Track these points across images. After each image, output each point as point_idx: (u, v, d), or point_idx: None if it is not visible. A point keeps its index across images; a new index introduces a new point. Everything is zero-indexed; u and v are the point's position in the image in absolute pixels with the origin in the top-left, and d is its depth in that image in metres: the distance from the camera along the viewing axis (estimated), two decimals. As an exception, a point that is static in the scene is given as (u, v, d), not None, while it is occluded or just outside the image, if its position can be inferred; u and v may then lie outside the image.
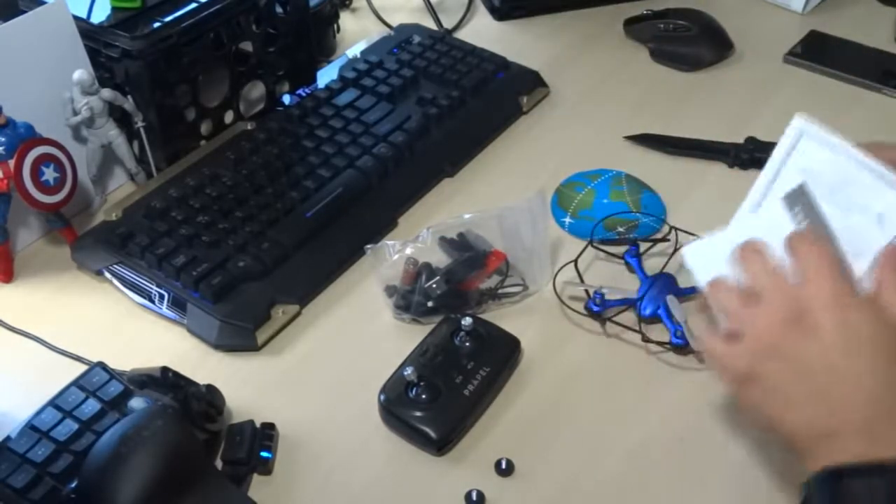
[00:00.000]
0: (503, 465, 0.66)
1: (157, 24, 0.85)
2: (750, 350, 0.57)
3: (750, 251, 0.60)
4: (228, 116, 0.96)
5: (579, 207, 0.88)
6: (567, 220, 0.87)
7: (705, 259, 0.64)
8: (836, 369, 0.53)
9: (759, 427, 0.61)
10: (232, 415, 0.70)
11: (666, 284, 0.78)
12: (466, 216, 0.82)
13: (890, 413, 0.52)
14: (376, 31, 1.13)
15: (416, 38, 1.07)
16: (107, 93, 0.84)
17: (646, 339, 0.74)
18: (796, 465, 0.66)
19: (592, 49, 1.13)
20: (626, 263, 0.82)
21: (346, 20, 1.16)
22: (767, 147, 0.93)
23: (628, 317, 0.76)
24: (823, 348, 0.54)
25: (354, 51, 1.07)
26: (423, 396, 0.69)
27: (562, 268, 0.81)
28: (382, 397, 0.69)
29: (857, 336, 0.53)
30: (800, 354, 0.54)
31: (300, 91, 1.01)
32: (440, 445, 0.67)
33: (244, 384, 0.73)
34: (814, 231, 0.59)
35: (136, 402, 0.64)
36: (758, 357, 0.56)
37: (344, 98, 0.98)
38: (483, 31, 1.16)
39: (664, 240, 0.83)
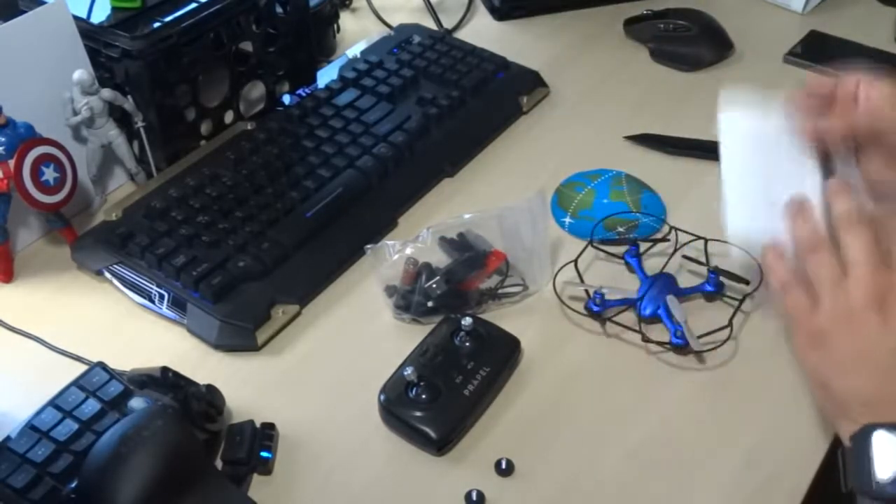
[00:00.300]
0: (503, 465, 0.66)
1: (157, 24, 0.85)
2: (830, 318, 0.60)
3: (846, 221, 0.62)
4: (228, 116, 0.96)
5: (579, 207, 0.88)
6: (567, 220, 0.87)
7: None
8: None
9: (808, 377, 0.65)
10: (232, 415, 0.70)
11: (666, 284, 0.78)
12: (466, 216, 0.82)
13: None
14: (376, 31, 1.13)
15: (416, 38, 1.07)
16: (107, 93, 0.84)
17: (646, 339, 0.74)
18: (796, 465, 0.67)
19: (592, 49, 1.13)
20: (626, 263, 0.82)
21: (346, 20, 1.16)
22: (767, 147, 0.93)
23: (628, 317, 0.76)
24: (892, 340, 0.58)
25: (354, 51, 1.07)
26: (423, 396, 0.69)
27: (562, 268, 0.81)
28: (382, 397, 0.69)
29: None
30: (872, 338, 0.58)
31: (300, 91, 1.01)
32: (440, 445, 0.67)
33: (244, 384, 0.73)
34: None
35: (136, 402, 0.64)
36: (835, 327, 0.60)
37: (344, 98, 0.98)
38: (483, 31, 1.16)
39: (664, 240, 0.83)
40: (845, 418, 0.59)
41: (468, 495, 0.65)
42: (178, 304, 0.77)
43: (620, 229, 0.85)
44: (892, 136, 0.66)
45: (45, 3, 0.84)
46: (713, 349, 0.74)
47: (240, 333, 0.75)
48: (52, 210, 0.81)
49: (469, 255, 0.80)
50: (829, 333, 0.60)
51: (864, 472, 0.56)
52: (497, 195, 0.89)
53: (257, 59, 0.96)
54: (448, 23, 1.16)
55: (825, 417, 0.67)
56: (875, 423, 0.56)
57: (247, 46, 0.95)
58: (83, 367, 0.69)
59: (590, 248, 0.82)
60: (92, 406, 0.65)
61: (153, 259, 0.79)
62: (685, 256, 0.81)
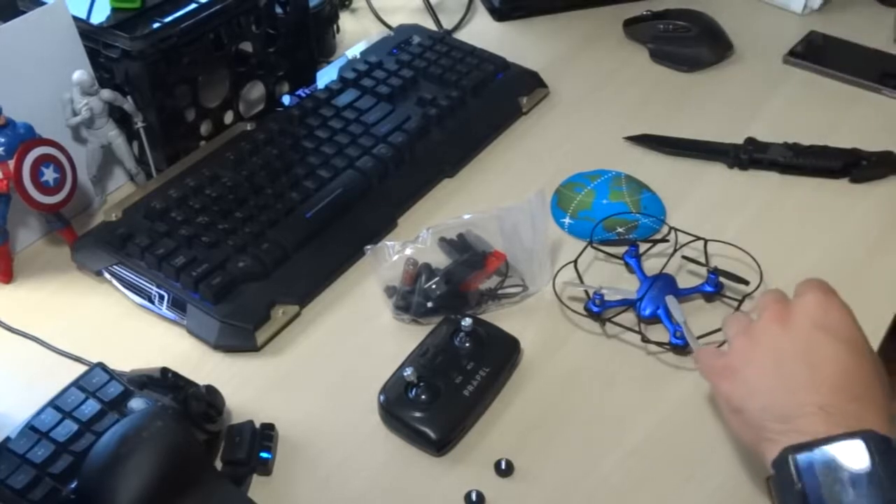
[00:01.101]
0: (503, 466, 0.66)
1: (156, 25, 0.85)
2: (738, 355, 0.61)
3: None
4: (228, 117, 0.96)
5: (579, 208, 0.88)
6: (567, 220, 0.87)
7: None
8: (804, 357, 0.58)
9: (722, 408, 0.63)
10: (232, 415, 0.70)
11: (665, 285, 0.78)
12: (466, 217, 0.82)
13: (850, 398, 0.55)
14: (376, 32, 1.13)
15: (416, 39, 1.07)
16: (106, 93, 0.84)
17: (645, 340, 0.74)
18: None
19: (592, 49, 1.13)
20: (626, 264, 0.82)
21: (345, 21, 1.16)
22: (767, 147, 0.93)
23: (628, 317, 0.76)
24: (796, 338, 0.59)
25: (354, 51, 1.07)
26: (423, 397, 0.69)
27: (562, 268, 0.81)
28: (382, 398, 0.69)
29: (828, 331, 0.58)
30: (775, 345, 0.59)
31: (300, 92, 1.01)
32: (440, 446, 0.67)
33: (244, 385, 0.73)
34: None
35: (136, 403, 0.64)
36: (742, 359, 0.61)
37: (344, 99, 0.98)
38: (483, 32, 1.16)
39: (664, 240, 0.83)
40: (765, 440, 0.57)
41: (468, 495, 0.65)
42: (177, 305, 0.77)
43: (620, 230, 0.85)
44: None
45: (45, 3, 0.84)
46: (713, 350, 0.74)
47: (240, 334, 0.75)
48: (51, 211, 0.81)
49: (469, 255, 0.80)
50: (737, 366, 0.61)
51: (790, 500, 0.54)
52: (497, 195, 0.89)
53: (257, 59, 0.96)
54: (448, 23, 1.16)
55: (746, 448, 0.64)
56: (793, 445, 0.54)
57: (247, 47, 0.95)
58: (83, 368, 0.69)
59: (589, 248, 0.82)
60: (92, 407, 0.65)
61: (153, 260, 0.79)
62: (685, 257, 0.81)
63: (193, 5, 0.88)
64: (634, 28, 1.13)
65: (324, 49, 1.10)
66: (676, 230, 0.82)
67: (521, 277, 0.80)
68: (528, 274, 0.80)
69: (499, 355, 0.73)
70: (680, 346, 0.73)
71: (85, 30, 0.84)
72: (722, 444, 0.68)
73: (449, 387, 0.69)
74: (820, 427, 0.54)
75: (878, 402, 0.56)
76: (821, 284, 0.62)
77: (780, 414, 0.57)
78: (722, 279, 0.78)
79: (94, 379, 0.67)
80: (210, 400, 0.67)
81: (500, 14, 1.19)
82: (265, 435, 0.68)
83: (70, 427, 0.63)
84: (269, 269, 0.79)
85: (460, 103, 0.98)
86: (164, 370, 0.68)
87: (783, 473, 0.54)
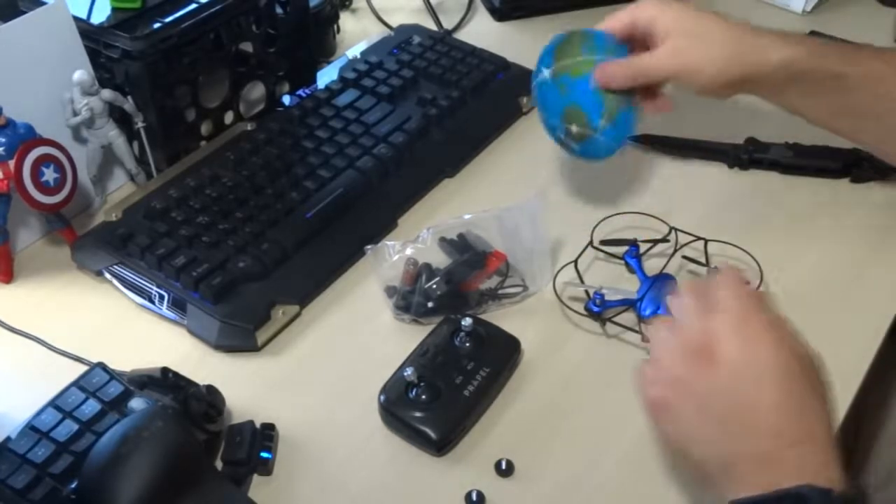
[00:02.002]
0: (503, 466, 0.66)
1: (157, 25, 0.85)
2: (660, 379, 0.58)
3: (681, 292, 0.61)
4: (228, 117, 0.96)
5: (567, 70, 0.79)
6: (544, 74, 0.80)
7: None
8: (735, 402, 0.54)
9: (673, 452, 0.62)
10: (232, 415, 0.70)
11: (666, 285, 0.78)
12: (466, 217, 0.82)
13: (789, 443, 0.52)
14: (376, 32, 1.13)
15: (416, 39, 1.07)
16: (107, 93, 0.84)
17: (646, 340, 0.74)
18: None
19: (592, 50, 1.13)
20: (626, 264, 0.82)
21: (346, 21, 1.16)
22: (767, 147, 0.93)
23: (628, 317, 0.76)
24: (723, 381, 0.55)
25: (354, 51, 1.07)
26: (424, 397, 0.69)
27: (562, 268, 0.81)
28: (382, 398, 0.69)
29: (756, 368, 0.54)
30: (704, 390, 0.55)
31: (300, 92, 1.01)
32: (440, 446, 0.67)
33: (244, 385, 0.73)
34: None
35: (137, 403, 0.64)
36: (667, 387, 0.57)
37: (344, 99, 0.98)
38: (483, 32, 1.16)
39: (664, 240, 0.83)
40: (713, 486, 0.55)
41: (468, 495, 0.65)
42: (178, 305, 0.77)
43: (574, 128, 0.78)
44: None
45: (45, 3, 0.84)
46: (713, 350, 0.74)
47: (240, 334, 0.75)
48: (52, 211, 0.81)
49: (469, 255, 0.80)
50: (670, 401, 0.57)
51: None
52: (497, 195, 0.89)
53: (257, 59, 0.96)
54: (448, 23, 1.16)
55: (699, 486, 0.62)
56: (736, 500, 0.52)
57: (247, 47, 0.95)
58: (83, 368, 0.69)
59: (590, 248, 0.82)
60: (92, 407, 0.65)
61: (153, 260, 0.79)
62: (685, 257, 0.81)
63: (193, 5, 0.88)
64: (635, 28, 1.13)
65: (324, 49, 1.10)
66: (677, 230, 0.82)
67: (521, 277, 0.80)
68: (529, 274, 0.80)
69: (499, 355, 0.73)
70: None
71: (85, 30, 0.84)
72: (722, 444, 0.68)
73: (449, 387, 0.69)
74: (761, 478, 0.52)
75: (819, 439, 0.53)
76: (736, 300, 0.57)
77: (721, 463, 0.54)
78: (722, 279, 0.78)
79: (95, 379, 0.67)
80: (210, 400, 0.67)
81: (500, 14, 1.19)
82: (265, 435, 0.68)
83: (70, 427, 0.63)
84: (270, 269, 0.79)
85: (460, 103, 0.98)
86: (165, 370, 0.68)
87: None
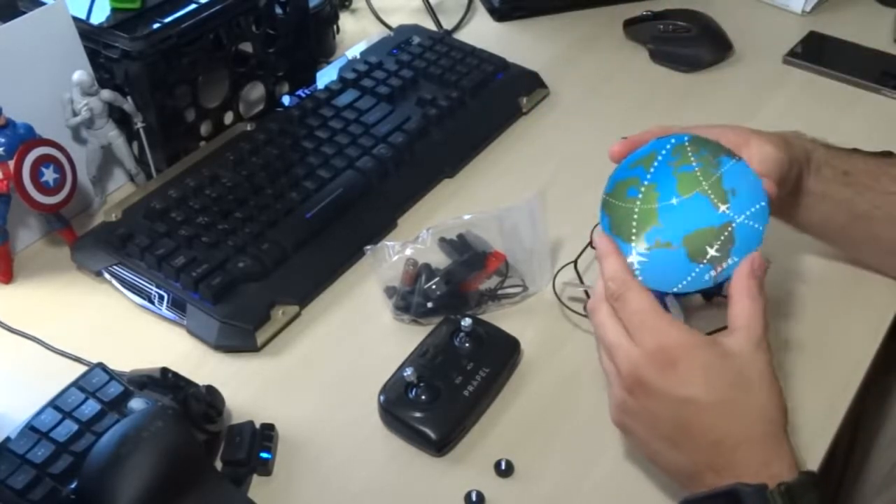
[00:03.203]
0: (503, 466, 0.66)
1: (156, 25, 0.85)
2: (612, 402, 0.61)
3: (592, 302, 0.62)
4: (228, 117, 0.96)
5: (644, 227, 0.63)
6: (637, 256, 0.62)
7: None
8: (674, 423, 0.57)
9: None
10: (232, 415, 0.70)
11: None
12: (466, 217, 0.82)
13: (730, 447, 0.56)
14: (376, 32, 1.13)
15: (416, 39, 1.07)
16: (106, 94, 0.84)
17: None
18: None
19: (592, 50, 1.13)
20: (626, 264, 0.81)
21: (345, 21, 1.16)
22: (767, 148, 0.93)
23: (628, 317, 0.76)
24: (657, 406, 0.58)
25: (354, 52, 1.07)
26: (423, 397, 0.69)
27: (562, 268, 0.81)
28: (382, 398, 0.69)
29: (681, 390, 0.56)
30: (645, 411, 0.58)
31: (300, 92, 1.01)
32: (440, 446, 0.67)
33: (244, 385, 0.73)
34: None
35: (136, 403, 0.64)
36: (618, 410, 0.61)
37: (344, 99, 0.98)
38: (483, 32, 1.16)
39: (664, 240, 0.83)
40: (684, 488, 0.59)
41: (468, 496, 0.65)
42: (177, 305, 0.77)
43: (713, 252, 0.61)
44: None
45: (45, 3, 0.84)
46: (713, 350, 0.74)
47: (240, 334, 0.75)
48: (51, 211, 0.81)
49: (469, 255, 0.80)
50: (625, 423, 0.61)
51: None
52: (497, 196, 0.89)
53: (257, 59, 0.96)
54: (448, 24, 1.16)
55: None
56: (687, 498, 0.57)
57: (246, 47, 0.95)
58: (83, 368, 0.69)
59: (590, 248, 0.82)
60: (92, 407, 0.65)
61: (153, 260, 0.79)
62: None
63: (193, 5, 0.88)
64: (634, 28, 1.13)
65: (324, 49, 1.10)
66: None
67: (521, 277, 0.80)
68: (528, 274, 0.80)
69: (499, 355, 0.73)
70: None
71: (85, 30, 0.84)
72: (722, 445, 0.68)
73: (449, 387, 0.69)
74: (721, 483, 0.55)
75: (756, 437, 0.56)
76: (650, 337, 0.57)
77: (686, 475, 0.59)
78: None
79: (94, 379, 0.67)
80: (210, 400, 0.67)
81: (500, 14, 1.19)
82: (265, 435, 0.68)
83: (70, 427, 0.63)
84: (269, 269, 0.79)
85: (460, 103, 0.98)
86: (164, 370, 0.68)
87: None
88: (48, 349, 0.76)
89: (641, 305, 0.59)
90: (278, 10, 0.97)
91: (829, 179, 0.72)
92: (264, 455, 0.66)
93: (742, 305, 0.58)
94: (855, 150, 0.77)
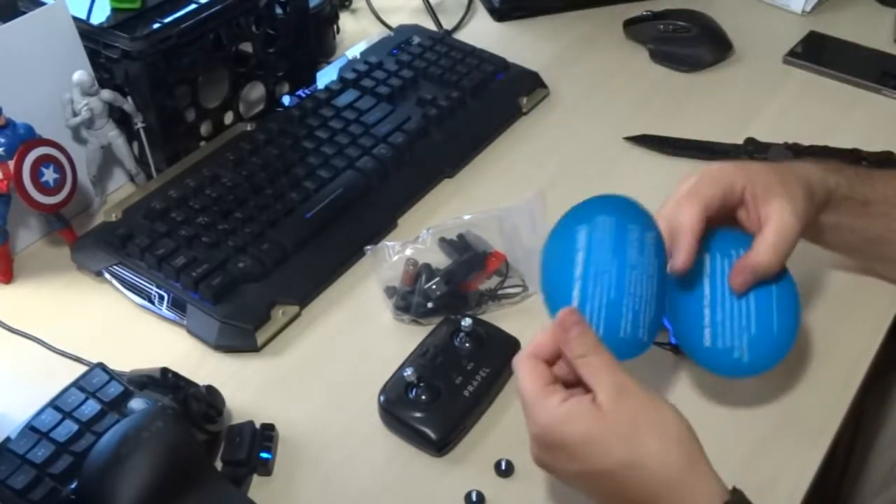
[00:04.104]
0: (503, 466, 0.66)
1: (156, 25, 0.85)
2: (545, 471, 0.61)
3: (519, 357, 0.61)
4: (228, 117, 0.96)
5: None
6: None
7: None
8: (591, 488, 0.57)
9: None
10: (232, 416, 0.70)
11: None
12: (466, 217, 0.82)
13: (655, 501, 0.55)
14: (376, 32, 1.13)
15: (416, 39, 1.07)
16: (106, 94, 0.84)
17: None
18: (795, 466, 0.67)
19: (592, 50, 1.13)
20: (626, 264, 0.81)
21: (345, 21, 1.16)
22: (767, 147, 0.93)
23: (628, 317, 0.76)
24: (568, 477, 0.58)
25: (354, 52, 1.07)
26: (423, 397, 0.69)
27: (561, 268, 0.81)
28: (382, 398, 0.69)
29: (578, 466, 0.56)
30: (564, 480, 0.59)
31: (300, 92, 1.01)
32: (440, 446, 0.67)
33: (244, 385, 0.73)
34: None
35: (136, 403, 0.64)
36: (542, 465, 0.60)
37: (344, 99, 0.98)
38: (483, 32, 1.16)
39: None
40: None
41: (468, 496, 0.65)
42: (177, 305, 0.77)
43: None
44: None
45: (45, 3, 0.84)
46: (713, 350, 0.74)
47: (240, 334, 0.75)
48: (51, 211, 0.81)
49: (469, 256, 0.80)
50: (562, 479, 0.60)
51: None
52: (497, 196, 0.89)
53: (257, 59, 0.96)
54: (448, 24, 1.16)
55: None
56: None
57: (247, 47, 0.95)
58: (83, 368, 0.69)
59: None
60: (92, 407, 0.65)
61: (153, 260, 0.79)
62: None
63: (193, 5, 0.88)
64: (634, 28, 1.13)
65: (324, 49, 1.10)
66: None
67: (521, 278, 0.80)
68: (529, 274, 0.80)
69: (499, 355, 0.73)
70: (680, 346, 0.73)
71: (85, 30, 0.84)
72: (721, 444, 0.68)
73: (449, 387, 0.69)
74: None
75: (668, 480, 0.55)
76: (531, 417, 0.58)
77: None
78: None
79: (94, 379, 0.67)
80: (210, 400, 0.67)
81: (500, 14, 1.19)
82: (265, 435, 0.68)
83: (70, 427, 0.63)
84: (269, 269, 0.79)
85: (460, 104, 0.98)
86: (164, 370, 0.68)
87: None
88: (48, 349, 0.76)
89: (521, 390, 0.58)
90: (278, 10, 0.97)
91: (845, 212, 0.72)
92: (264, 455, 0.67)
93: (581, 373, 0.57)
94: (883, 171, 0.75)
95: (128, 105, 0.86)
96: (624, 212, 0.66)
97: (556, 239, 0.64)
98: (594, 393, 0.56)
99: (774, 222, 0.65)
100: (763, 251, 0.65)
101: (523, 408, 0.58)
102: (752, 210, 0.67)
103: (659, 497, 0.54)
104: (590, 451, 0.55)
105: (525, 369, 0.58)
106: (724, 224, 0.68)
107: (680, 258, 0.64)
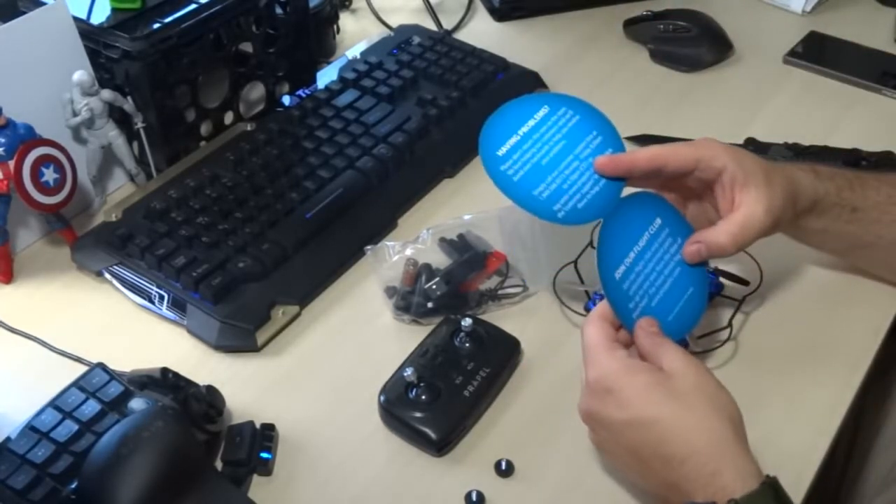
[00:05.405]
0: (503, 466, 0.66)
1: (156, 25, 0.85)
2: (587, 423, 0.63)
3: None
4: (228, 117, 0.96)
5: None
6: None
7: None
8: (631, 445, 0.59)
9: None
10: (232, 416, 0.70)
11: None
12: (466, 217, 0.82)
13: (679, 463, 0.57)
14: (376, 32, 1.13)
15: (416, 39, 1.07)
16: (107, 94, 0.84)
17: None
18: (796, 465, 0.67)
19: (592, 50, 1.13)
20: (626, 264, 0.81)
21: (345, 21, 1.16)
22: (767, 147, 0.93)
23: (628, 317, 0.76)
24: (610, 430, 0.60)
25: (354, 52, 1.07)
26: (423, 397, 0.69)
27: (562, 268, 0.81)
28: (382, 398, 0.69)
29: (624, 413, 0.59)
30: (604, 439, 0.62)
31: (300, 92, 1.01)
32: (440, 446, 0.67)
33: (244, 385, 0.73)
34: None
35: (137, 403, 0.64)
36: (594, 442, 0.64)
37: (344, 99, 0.98)
38: (483, 32, 1.16)
39: (664, 240, 0.83)
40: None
41: (468, 496, 0.65)
42: (178, 305, 0.77)
43: None
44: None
45: (45, 3, 0.84)
46: (713, 349, 0.74)
47: (240, 334, 0.75)
48: (51, 211, 0.81)
49: (469, 255, 0.80)
50: (602, 451, 0.64)
51: None
52: (497, 196, 0.89)
53: (257, 59, 0.96)
54: (448, 24, 1.16)
55: None
56: None
57: (247, 47, 0.95)
58: (83, 368, 0.69)
59: (590, 248, 0.82)
60: (92, 407, 0.65)
61: (153, 260, 0.79)
62: (685, 257, 0.81)
63: (193, 5, 0.88)
64: (634, 28, 1.13)
65: (324, 49, 1.10)
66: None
67: (521, 277, 0.80)
68: (528, 274, 0.80)
69: (499, 355, 0.73)
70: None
71: (85, 30, 0.84)
72: (722, 445, 0.68)
73: (449, 387, 0.69)
74: (681, 500, 0.57)
75: (701, 451, 0.56)
76: (591, 370, 0.62)
77: (654, 495, 0.62)
78: (722, 279, 0.78)
79: (95, 379, 0.67)
80: (210, 400, 0.67)
81: (500, 14, 1.19)
82: (265, 435, 0.68)
83: (70, 427, 0.63)
84: (269, 269, 0.79)
85: (460, 104, 0.98)
86: (165, 370, 0.68)
87: None
88: (48, 349, 0.76)
89: (588, 341, 0.63)
90: (278, 10, 0.97)
91: (833, 218, 0.72)
92: (264, 455, 0.67)
93: (666, 358, 0.60)
94: (878, 175, 0.75)
95: (128, 105, 0.86)
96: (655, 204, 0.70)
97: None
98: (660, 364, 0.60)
99: (744, 211, 0.66)
100: (723, 233, 0.66)
101: (584, 358, 0.62)
102: (728, 191, 0.67)
103: (692, 457, 0.56)
104: (646, 399, 0.58)
105: (594, 326, 0.63)
106: (688, 192, 0.71)
107: (611, 160, 0.70)
